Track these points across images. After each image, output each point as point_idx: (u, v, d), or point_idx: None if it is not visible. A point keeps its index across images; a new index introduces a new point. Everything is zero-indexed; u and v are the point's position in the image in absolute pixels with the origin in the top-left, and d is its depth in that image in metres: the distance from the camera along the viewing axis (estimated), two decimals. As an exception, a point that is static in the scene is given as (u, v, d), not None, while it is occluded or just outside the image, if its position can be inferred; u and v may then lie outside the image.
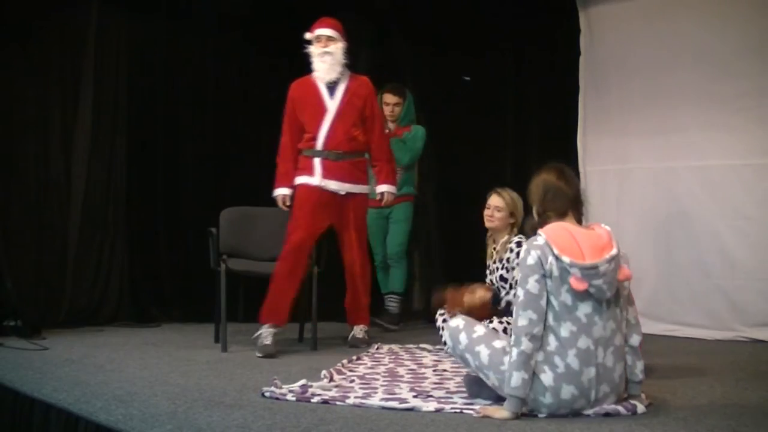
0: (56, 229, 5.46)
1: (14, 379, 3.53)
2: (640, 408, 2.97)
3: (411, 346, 4.79)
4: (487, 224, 4.34)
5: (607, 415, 2.87)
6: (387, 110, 5.66)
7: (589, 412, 2.88)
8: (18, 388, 3.40)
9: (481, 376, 3.03)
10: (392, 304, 5.81)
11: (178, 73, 5.72)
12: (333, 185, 4.68)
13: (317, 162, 4.67)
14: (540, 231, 2.96)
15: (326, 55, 4.62)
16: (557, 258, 2.86)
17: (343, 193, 4.70)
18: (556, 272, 2.86)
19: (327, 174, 4.66)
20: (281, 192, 4.74)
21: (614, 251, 2.92)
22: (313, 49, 4.66)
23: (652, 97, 5.61)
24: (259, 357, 4.31)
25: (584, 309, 2.87)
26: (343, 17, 6.38)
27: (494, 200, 4.32)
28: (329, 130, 4.67)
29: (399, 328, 5.68)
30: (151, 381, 3.55)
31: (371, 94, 4.83)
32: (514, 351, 2.85)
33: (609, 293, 2.90)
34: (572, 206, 3.05)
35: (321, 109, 4.68)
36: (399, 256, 5.81)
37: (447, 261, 6.58)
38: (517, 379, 2.83)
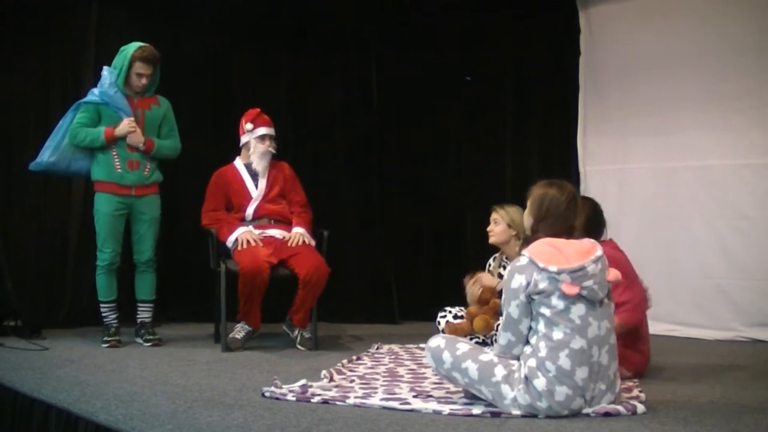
0: (56, 229, 5.46)
1: (14, 379, 3.53)
2: (640, 408, 2.97)
3: (411, 346, 4.79)
4: (490, 240, 4.32)
5: (607, 414, 2.88)
6: (139, 82, 4.72)
7: (589, 411, 2.88)
8: (18, 388, 3.40)
9: (474, 392, 3.01)
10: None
11: (178, 73, 5.70)
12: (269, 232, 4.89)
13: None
14: (523, 252, 2.98)
15: (269, 153, 4.97)
16: (544, 270, 2.87)
17: (280, 237, 4.85)
18: (545, 284, 2.87)
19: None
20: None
21: (599, 252, 2.95)
22: (257, 145, 4.95)
23: (652, 97, 5.62)
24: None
25: (578, 311, 2.87)
26: (344, 19, 6.39)
27: (492, 216, 4.30)
28: (257, 208, 4.95)
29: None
30: (151, 381, 3.55)
31: (291, 175, 5.11)
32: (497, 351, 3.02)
33: (601, 294, 2.92)
34: (566, 232, 3.02)
35: (247, 194, 4.96)
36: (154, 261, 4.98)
37: (445, 263, 6.58)
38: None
